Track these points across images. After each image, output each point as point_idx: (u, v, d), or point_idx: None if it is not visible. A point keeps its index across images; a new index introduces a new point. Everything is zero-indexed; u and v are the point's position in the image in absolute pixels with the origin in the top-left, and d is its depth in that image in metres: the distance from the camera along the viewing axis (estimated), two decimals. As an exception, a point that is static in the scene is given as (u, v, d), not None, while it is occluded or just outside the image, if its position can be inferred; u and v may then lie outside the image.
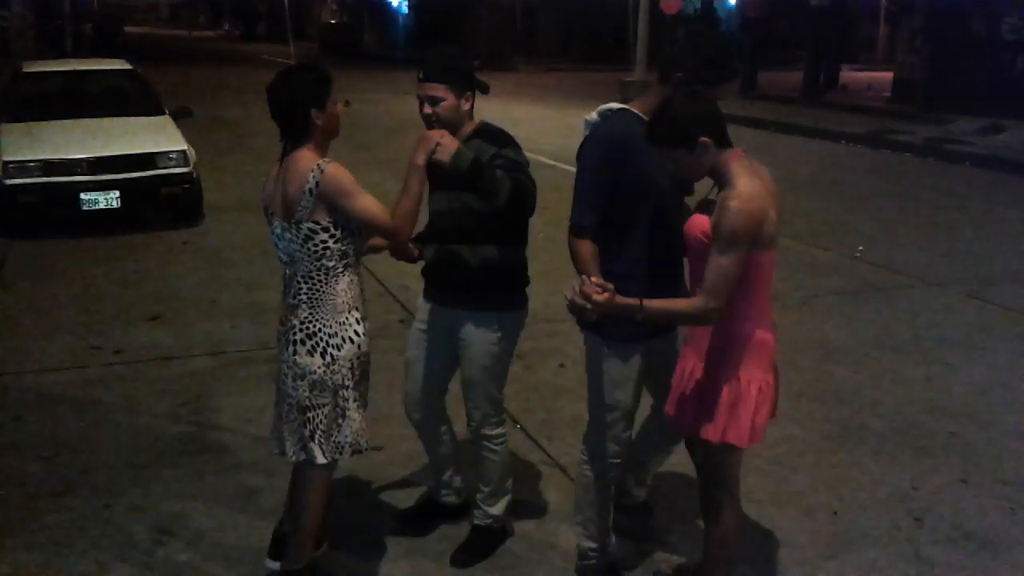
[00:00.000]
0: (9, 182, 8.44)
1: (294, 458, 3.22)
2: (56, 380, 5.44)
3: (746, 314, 2.90)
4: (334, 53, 41.37)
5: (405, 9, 43.23)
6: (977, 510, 4.09)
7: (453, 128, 3.32)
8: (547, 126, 17.37)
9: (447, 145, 3.13)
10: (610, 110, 3.27)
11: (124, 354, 5.85)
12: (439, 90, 3.32)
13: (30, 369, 5.60)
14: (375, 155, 13.43)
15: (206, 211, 9.49)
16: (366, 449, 3.30)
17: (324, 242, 3.06)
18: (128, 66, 11.19)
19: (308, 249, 3.07)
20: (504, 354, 3.52)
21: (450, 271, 3.44)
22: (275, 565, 3.44)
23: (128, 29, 49.12)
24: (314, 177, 3.01)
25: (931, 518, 4.02)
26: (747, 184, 2.77)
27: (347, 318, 3.14)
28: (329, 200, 3.02)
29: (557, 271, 7.66)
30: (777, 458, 4.50)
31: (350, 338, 3.14)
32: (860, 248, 8.53)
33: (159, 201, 9.07)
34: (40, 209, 8.62)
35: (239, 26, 61.79)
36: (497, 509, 3.72)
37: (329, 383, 3.11)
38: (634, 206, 3.17)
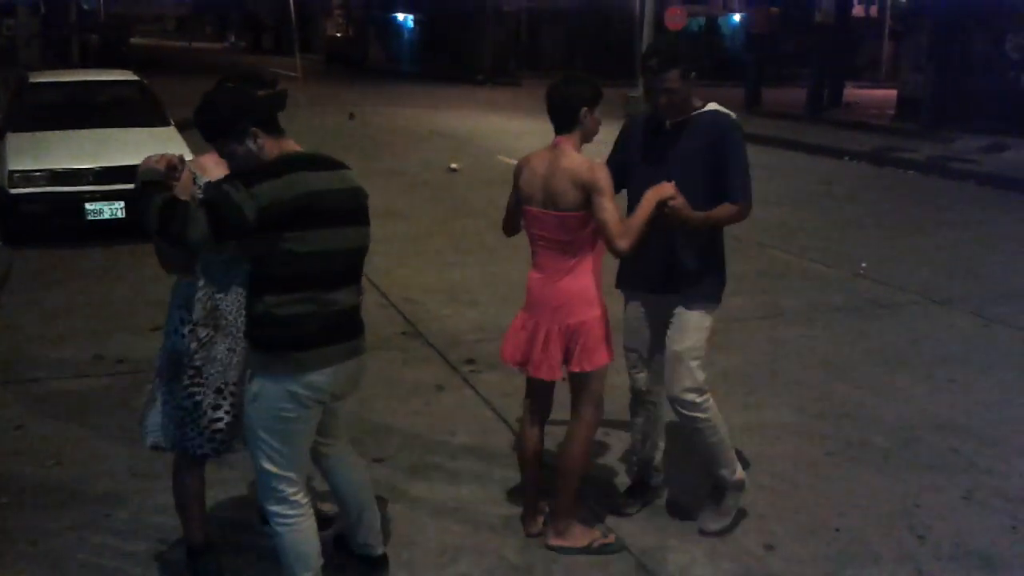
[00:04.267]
0: (15, 191, 8.48)
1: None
2: (59, 389, 5.45)
3: None
4: (339, 66, 41.57)
5: (410, 23, 43.41)
6: (980, 527, 4.08)
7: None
8: (549, 140, 17.39)
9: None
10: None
11: (127, 363, 5.86)
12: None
13: (33, 377, 5.61)
14: (379, 166, 13.47)
15: (210, 222, 9.49)
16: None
17: None
18: (134, 77, 11.25)
19: None
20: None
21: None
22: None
23: (134, 40, 49.30)
24: None
25: (933, 535, 4.01)
26: None
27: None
28: None
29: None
30: (779, 474, 4.49)
31: None
32: (863, 265, 8.53)
33: (163, 211, 9.09)
34: (45, 218, 8.65)
35: (245, 38, 62.06)
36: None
37: None
38: None
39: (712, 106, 3.76)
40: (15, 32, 29.22)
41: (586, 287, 3.60)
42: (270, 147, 2.99)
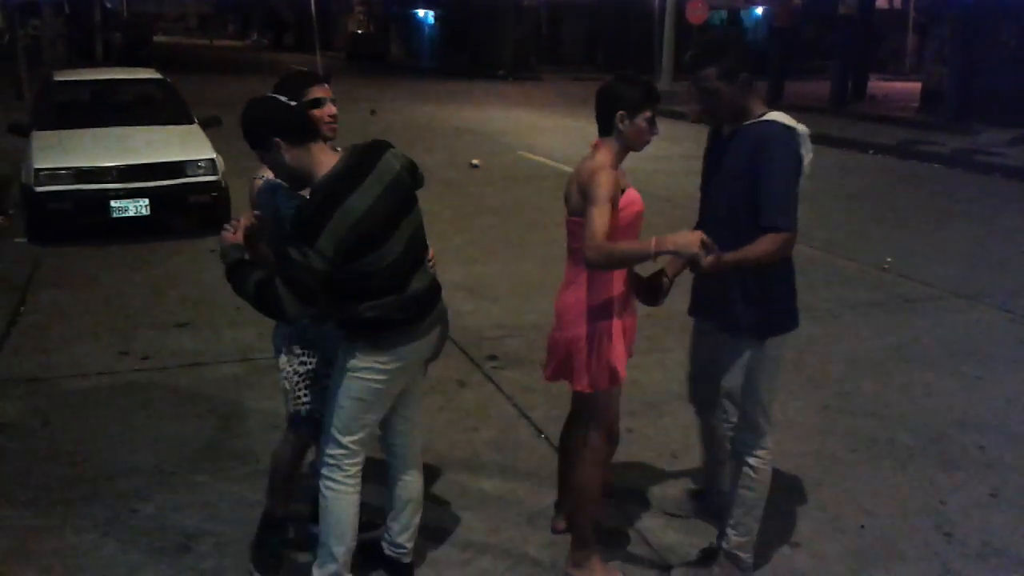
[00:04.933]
0: (40, 189, 8.55)
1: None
2: (84, 385, 5.50)
3: None
4: (361, 62, 41.65)
5: (431, 19, 43.43)
6: (1007, 525, 4.04)
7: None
8: (572, 135, 17.37)
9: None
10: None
11: (152, 360, 5.90)
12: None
13: (59, 374, 5.66)
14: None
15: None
16: None
17: None
18: (158, 75, 11.31)
19: None
20: None
21: None
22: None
23: (156, 39, 49.62)
24: None
25: (960, 533, 3.98)
26: None
27: None
28: None
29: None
30: (804, 471, 4.47)
31: None
32: (888, 260, 8.46)
33: (188, 209, 9.16)
34: (70, 216, 8.72)
35: (267, 36, 62.31)
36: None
37: None
38: None
39: (772, 115, 3.27)
40: (40, 31, 29.51)
41: (577, 302, 3.37)
42: (295, 157, 3.02)
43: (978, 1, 18.17)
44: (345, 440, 3.25)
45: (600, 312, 3.35)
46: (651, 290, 3.54)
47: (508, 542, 3.86)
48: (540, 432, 4.91)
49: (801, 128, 3.30)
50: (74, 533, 3.90)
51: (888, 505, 4.20)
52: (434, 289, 3.33)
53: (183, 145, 9.38)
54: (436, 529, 3.95)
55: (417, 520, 3.56)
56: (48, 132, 9.41)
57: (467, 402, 5.31)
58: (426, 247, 3.35)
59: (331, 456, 3.27)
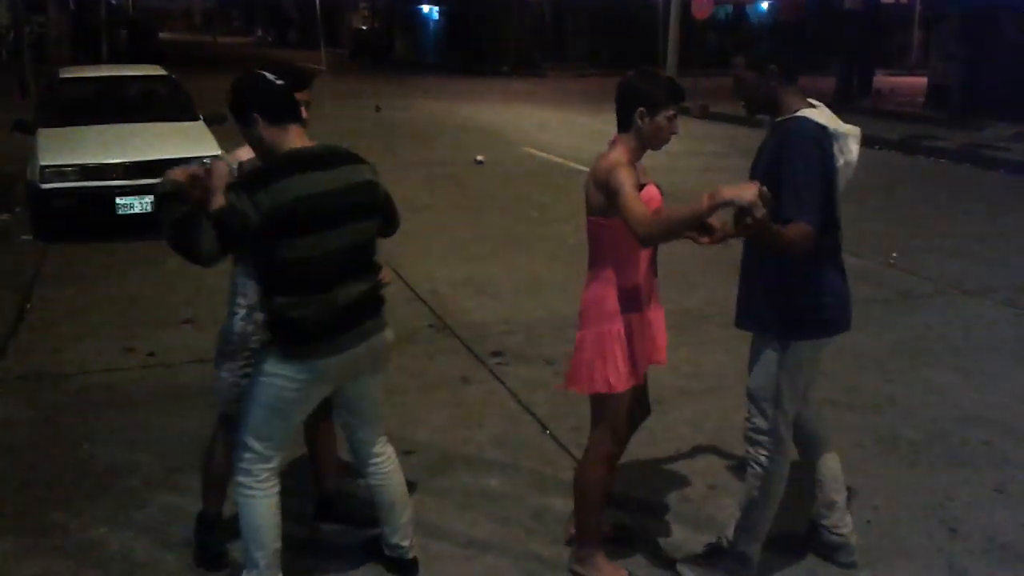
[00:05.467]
0: (46, 186, 8.56)
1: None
2: (90, 382, 5.51)
3: None
4: (365, 59, 41.64)
5: (436, 16, 43.41)
6: (1012, 521, 4.04)
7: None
8: (577, 131, 17.37)
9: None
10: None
11: (158, 356, 5.92)
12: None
13: (65, 371, 5.68)
14: (405, 159, 13.50)
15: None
16: None
17: None
18: (163, 72, 11.33)
19: None
20: None
21: None
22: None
23: (162, 35, 49.65)
24: None
25: (965, 529, 3.97)
26: None
27: None
28: None
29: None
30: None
31: None
32: (894, 255, 8.45)
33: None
34: (76, 213, 8.73)
35: (272, 32, 62.35)
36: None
37: None
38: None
39: (806, 112, 3.19)
40: (45, 29, 29.55)
41: (591, 302, 3.37)
42: (272, 136, 3.06)
43: (984, -4, 18.13)
44: (256, 445, 3.18)
45: (605, 315, 3.33)
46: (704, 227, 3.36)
47: (512, 539, 3.86)
48: (545, 428, 4.91)
49: (843, 128, 3.22)
50: (79, 529, 3.91)
51: (893, 501, 4.19)
52: (366, 308, 3.21)
53: (188, 142, 9.39)
54: (440, 526, 3.95)
55: (407, 519, 3.54)
56: (54, 129, 9.42)
57: (471, 399, 5.31)
58: (371, 266, 3.26)
59: (243, 460, 3.20)
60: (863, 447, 4.73)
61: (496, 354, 5.98)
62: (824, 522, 3.66)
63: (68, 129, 9.45)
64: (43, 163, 8.65)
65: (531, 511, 4.07)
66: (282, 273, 3.04)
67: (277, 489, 3.26)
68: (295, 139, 3.09)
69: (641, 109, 3.25)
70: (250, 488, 3.21)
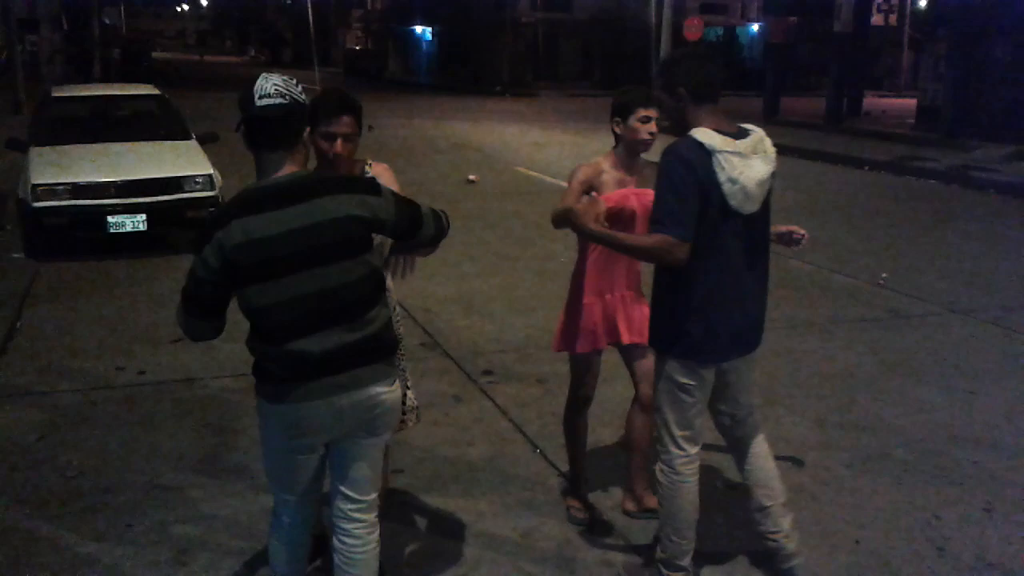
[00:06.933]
0: (38, 205, 8.56)
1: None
2: (81, 400, 5.50)
3: None
4: (359, 78, 41.77)
5: (428, 35, 43.61)
6: (1001, 540, 4.05)
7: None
8: (569, 151, 17.44)
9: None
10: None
11: (148, 375, 5.91)
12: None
13: (55, 389, 5.66)
14: (398, 178, 13.51)
15: (230, 234, 9.56)
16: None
17: None
18: (156, 91, 11.35)
19: None
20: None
21: None
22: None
23: (155, 55, 49.79)
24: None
25: (954, 548, 3.98)
26: None
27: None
28: None
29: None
30: (798, 486, 4.47)
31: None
32: (884, 275, 8.49)
33: (185, 224, 9.17)
34: (68, 231, 8.74)
35: (265, 52, 62.53)
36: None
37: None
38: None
39: (696, 132, 3.23)
40: (38, 47, 29.60)
41: (571, 279, 4.00)
42: (258, 163, 2.81)
43: (973, 17, 18.29)
44: (274, 488, 3.05)
45: (575, 290, 3.96)
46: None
47: (503, 558, 3.86)
48: (535, 447, 4.91)
49: (727, 146, 3.17)
50: (70, 547, 3.90)
51: (882, 520, 4.20)
52: (350, 358, 2.82)
53: (180, 161, 9.41)
54: (431, 544, 3.95)
55: None
56: (46, 148, 9.44)
57: (462, 417, 5.32)
58: (354, 312, 2.81)
59: (275, 503, 3.09)
60: (852, 466, 4.75)
61: (487, 373, 5.99)
62: (759, 528, 3.66)
63: (60, 148, 9.46)
64: (35, 182, 8.65)
65: (521, 530, 4.07)
66: (248, 318, 2.81)
67: (302, 538, 3.11)
68: (267, 165, 2.77)
69: (616, 119, 3.79)
70: (272, 529, 3.12)
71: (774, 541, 3.62)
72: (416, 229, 3.06)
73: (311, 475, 2.99)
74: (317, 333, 2.76)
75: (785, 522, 3.61)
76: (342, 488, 3.01)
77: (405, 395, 3.74)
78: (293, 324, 2.75)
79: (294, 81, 2.82)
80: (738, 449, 3.68)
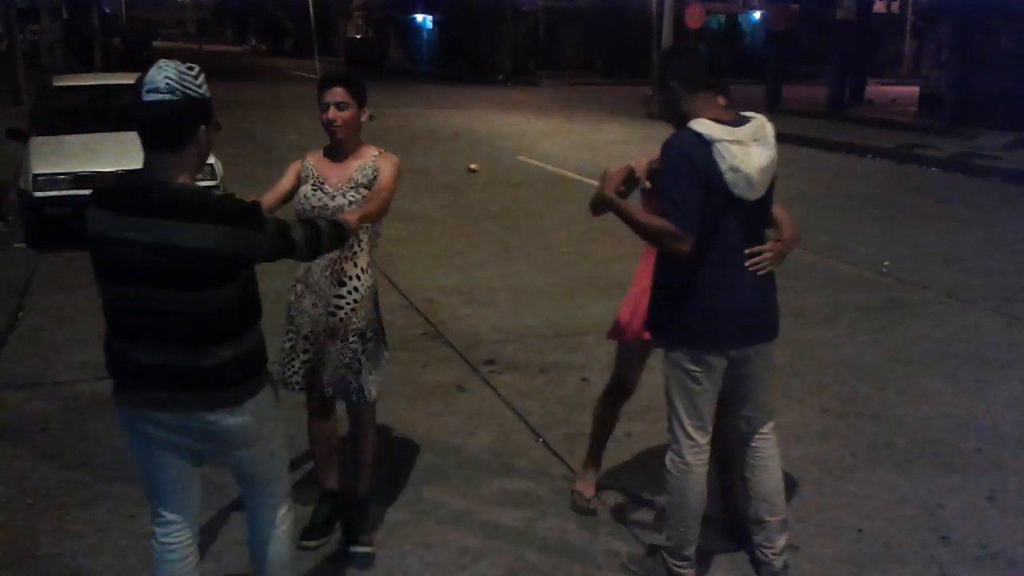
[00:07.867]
0: (38, 195, 8.55)
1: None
2: (83, 391, 5.50)
3: None
4: (360, 67, 41.72)
5: (429, 24, 43.51)
6: (1004, 528, 4.05)
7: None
8: (571, 140, 17.40)
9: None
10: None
11: (150, 365, 5.90)
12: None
13: (58, 379, 5.66)
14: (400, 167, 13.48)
15: (232, 224, 9.55)
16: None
17: None
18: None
19: None
20: None
21: None
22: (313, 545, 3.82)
23: (156, 44, 49.69)
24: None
25: (957, 536, 3.98)
26: None
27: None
28: None
29: (580, 286, 7.67)
30: (802, 475, 4.47)
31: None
32: (886, 263, 8.47)
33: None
34: (68, 221, 8.70)
35: (266, 41, 62.39)
36: None
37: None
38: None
39: (694, 123, 3.22)
40: (38, 37, 29.55)
41: None
42: (144, 157, 2.68)
43: (975, 5, 18.22)
44: (150, 502, 2.93)
45: (637, 279, 3.88)
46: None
47: (506, 547, 3.86)
48: (538, 437, 4.91)
49: (726, 135, 3.17)
50: (72, 538, 3.90)
51: (886, 509, 4.20)
52: (159, 379, 2.65)
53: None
54: (433, 534, 3.95)
55: None
56: (47, 137, 9.42)
57: (465, 407, 5.31)
58: (184, 338, 2.60)
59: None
60: (855, 455, 4.74)
61: (489, 362, 5.99)
62: (754, 537, 3.66)
63: (61, 137, 9.44)
64: (36, 171, 8.64)
65: (524, 519, 4.07)
66: None
67: (180, 552, 2.92)
68: (168, 170, 2.61)
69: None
70: (155, 548, 2.93)
71: (763, 554, 3.62)
72: (285, 255, 2.82)
73: (172, 480, 2.82)
74: (143, 344, 2.64)
75: (780, 540, 3.60)
76: (254, 487, 3.02)
77: (362, 377, 3.73)
78: (124, 327, 2.68)
79: (194, 72, 2.55)
80: (749, 456, 3.62)
